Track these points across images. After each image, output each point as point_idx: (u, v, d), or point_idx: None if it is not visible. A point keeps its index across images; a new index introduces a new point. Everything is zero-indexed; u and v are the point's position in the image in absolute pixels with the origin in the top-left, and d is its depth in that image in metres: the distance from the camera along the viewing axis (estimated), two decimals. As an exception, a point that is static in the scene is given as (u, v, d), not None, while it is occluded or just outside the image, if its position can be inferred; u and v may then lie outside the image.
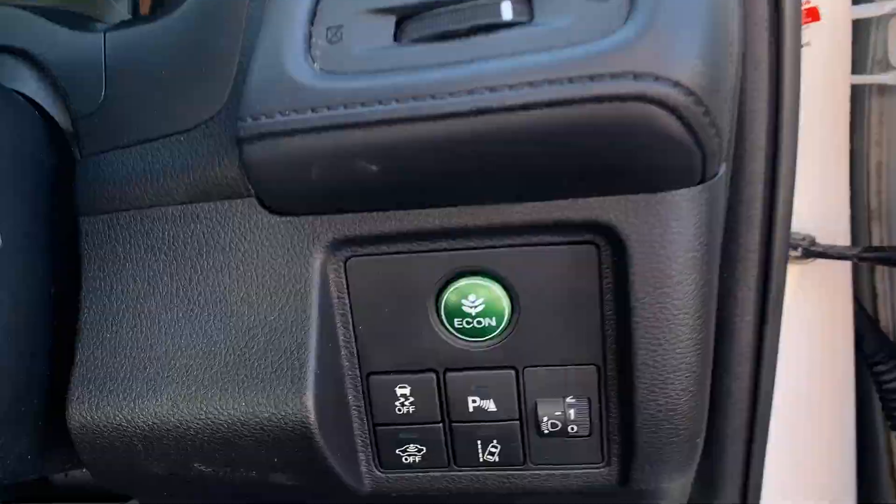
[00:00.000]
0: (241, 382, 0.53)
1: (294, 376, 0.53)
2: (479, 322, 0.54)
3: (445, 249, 0.53)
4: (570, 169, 0.46)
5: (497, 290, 0.54)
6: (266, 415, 0.53)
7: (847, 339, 1.00)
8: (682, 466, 0.58)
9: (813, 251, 0.93)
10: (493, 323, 0.54)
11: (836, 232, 0.97)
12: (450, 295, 0.54)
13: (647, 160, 0.45)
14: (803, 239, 0.94)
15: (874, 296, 1.10)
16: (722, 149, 0.47)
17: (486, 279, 0.54)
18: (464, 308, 0.54)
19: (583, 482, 0.59)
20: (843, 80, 0.95)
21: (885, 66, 0.97)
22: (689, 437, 0.55)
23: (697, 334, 0.51)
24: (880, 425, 1.13)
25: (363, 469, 0.60)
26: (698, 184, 0.48)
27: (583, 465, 0.59)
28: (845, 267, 0.99)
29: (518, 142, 0.44)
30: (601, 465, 0.59)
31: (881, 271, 1.09)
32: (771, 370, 0.82)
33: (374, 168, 0.47)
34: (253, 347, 0.54)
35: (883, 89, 1.02)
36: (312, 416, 0.53)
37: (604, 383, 0.55)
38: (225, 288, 0.54)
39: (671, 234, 0.49)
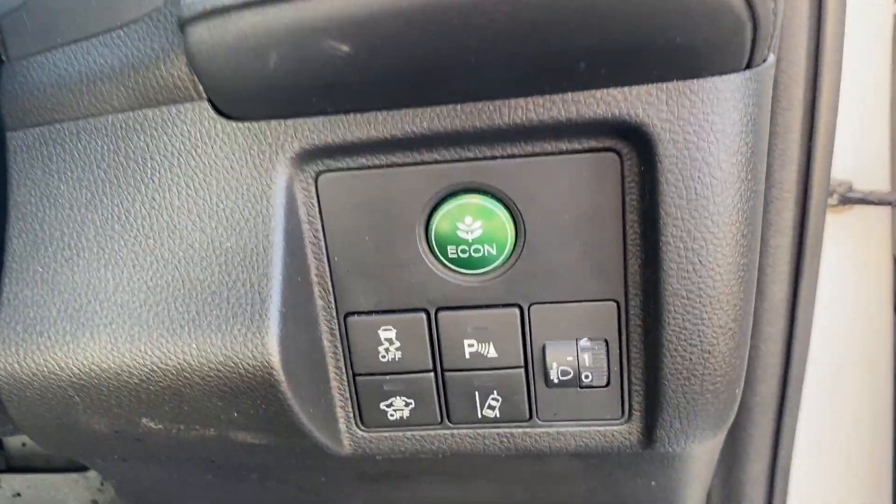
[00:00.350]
0: (192, 321, 0.45)
1: (254, 313, 0.44)
2: (476, 250, 0.45)
3: (436, 161, 0.44)
4: (588, 46, 0.37)
5: (498, 211, 0.45)
6: (220, 359, 0.44)
7: (885, 297, 0.91)
8: (716, 423, 0.49)
9: (850, 198, 0.83)
10: (494, 251, 0.45)
11: (876, 177, 0.87)
12: (442, 218, 0.45)
13: (685, 30, 0.36)
14: (839, 184, 0.85)
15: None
16: (777, 21, 0.37)
17: (485, 198, 0.45)
18: (459, 233, 0.45)
19: (598, 442, 0.51)
20: (884, 8, 0.85)
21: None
22: (726, 386, 0.46)
23: (740, 258, 0.42)
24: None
25: (341, 427, 0.52)
26: (745, 69, 0.39)
27: (598, 422, 0.50)
28: (884, 217, 0.90)
29: (524, 6, 0.35)
30: (620, 420, 0.50)
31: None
32: (806, 330, 0.74)
33: (344, 49, 0.38)
34: (206, 280, 0.45)
35: (924, 22, 0.92)
36: (276, 360, 0.44)
37: (625, 322, 0.47)
38: (173, 210, 0.46)
39: (712, 131, 0.40)
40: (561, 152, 0.43)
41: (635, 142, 0.42)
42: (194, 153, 0.45)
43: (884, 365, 0.95)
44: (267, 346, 0.44)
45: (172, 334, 0.45)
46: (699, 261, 0.42)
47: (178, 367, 0.45)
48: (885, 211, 0.91)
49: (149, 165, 0.46)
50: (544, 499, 0.66)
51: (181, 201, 0.46)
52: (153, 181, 0.46)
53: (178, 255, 0.45)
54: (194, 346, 0.45)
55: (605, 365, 0.48)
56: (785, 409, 0.79)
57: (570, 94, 0.40)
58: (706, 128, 0.40)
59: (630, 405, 0.49)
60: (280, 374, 0.44)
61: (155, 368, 0.45)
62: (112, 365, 0.46)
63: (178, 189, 0.46)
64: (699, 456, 0.57)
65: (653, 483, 0.63)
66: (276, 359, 0.44)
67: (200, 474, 0.64)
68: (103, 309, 0.46)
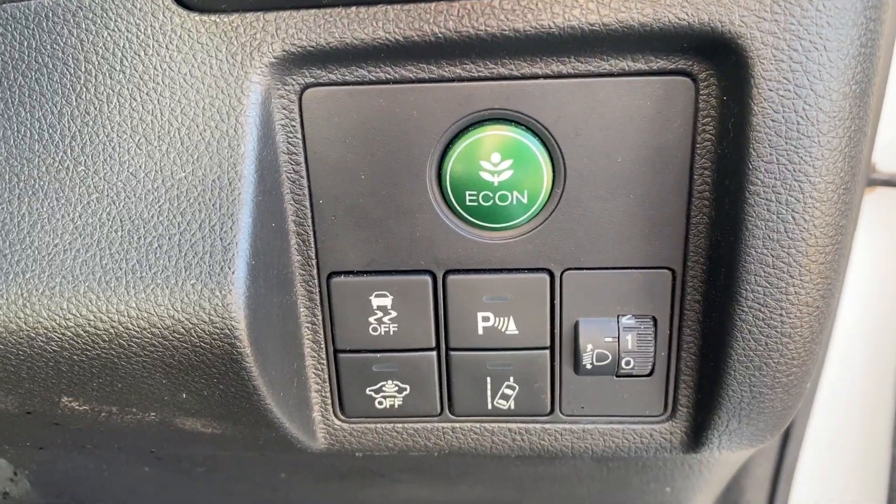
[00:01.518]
0: (132, 272, 0.34)
1: (215, 264, 0.34)
2: (502, 198, 0.36)
3: (459, 78, 0.35)
4: None
5: (534, 148, 0.35)
6: (168, 323, 0.34)
7: (897, 291, 0.84)
8: (776, 424, 0.40)
9: (875, 179, 0.76)
10: (525, 199, 0.36)
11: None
12: (461, 154, 0.35)
13: None
14: (862, 164, 0.78)
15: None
16: None
17: (518, 130, 0.35)
18: (481, 175, 0.36)
19: (632, 443, 0.42)
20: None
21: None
22: (799, 379, 0.38)
23: (840, 217, 0.34)
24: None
25: (316, 415, 0.42)
26: None
27: (634, 419, 0.41)
28: (902, 203, 0.83)
29: None
30: (661, 417, 0.41)
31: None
32: (831, 317, 0.66)
33: None
34: (152, 219, 0.34)
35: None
36: (241, 327, 0.34)
37: (680, 296, 0.38)
38: (113, 127, 0.35)
39: (825, 50, 0.31)
40: (620, 73, 0.34)
41: (721, 61, 0.32)
42: (143, 54, 0.35)
43: (886, 373, 0.89)
44: (230, 308, 0.33)
45: (105, 288, 0.34)
46: (793, 218, 0.33)
47: (112, 331, 0.34)
48: (905, 197, 0.84)
49: (83, 69, 0.35)
50: (536, 501, 0.58)
51: (123, 117, 0.35)
52: (88, 89, 0.35)
53: (117, 185, 0.35)
54: (133, 304, 0.34)
55: (652, 349, 0.38)
56: (797, 413, 0.72)
57: None
58: (819, 45, 0.31)
59: (675, 399, 0.40)
60: (245, 346, 0.34)
61: (81, 332, 0.35)
62: (24, 326, 0.35)
63: (119, 100, 0.35)
64: (735, 461, 0.49)
65: (667, 489, 0.55)
66: (241, 325, 0.34)
67: (135, 466, 0.54)
68: (14, 253, 0.35)
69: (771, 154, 0.32)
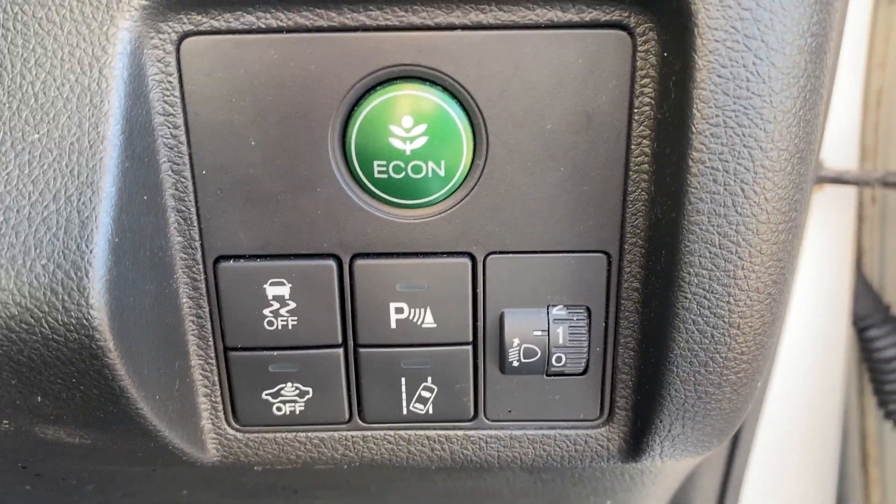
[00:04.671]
0: (-30, 251, 0.29)
1: (70, 241, 0.28)
2: (415, 169, 0.31)
3: (365, 28, 0.30)
4: None
5: (452, 111, 0.31)
6: (13, 311, 0.28)
7: (844, 292, 0.82)
8: (723, 428, 0.36)
9: (823, 177, 0.74)
10: (442, 172, 0.31)
11: (845, 158, 0.78)
12: (367, 117, 0.31)
13: None
14: (808, 162, 0.75)
15: (859, 252, 0.94)
16: None
17: (432, 89, 0.31)
18: (391, 142, 0.31)
19: (565, 451, 0.37)
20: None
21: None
22: (750, 376, 0.34)
23: (794, 190, 0.30)
24: (852, 401, 0.97)
25: (205, 424, 0.37)
26: None
27: (567, 423, 0.37)
28: (849, 206, 0.81)
29: None
30: (597, 422, 0.37)
31: (870, 225, 0.92)
32: (783, 307, 0.63)
33: None
34: (-4, 188, 0.29)
35: (894, -3, 0.84)
36: (101, 316, 0.28)
37: (616, 283, 0.33)
38: (-49, 80, 0.29)
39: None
40: (548, 25, 0.30)
41: (661, 10, 0.28)
42: None
43: (834, 375, 0.86)
44: (86, 294, 0.28)
45: None
46: (742, 191, 0.29)
47: None
48: (850, 198, 0.82)
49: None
50: None
51: None
52: None
53: None
54: None
55: (586, 343, 0.34)
56: (746, 418, 0.68)
57: None
58: None
59: (612, 401, 0.36)
60: (106, 339, 0.29)
61: None
62: None
63: (-40, 48, 0.29)
64: (679, 470, 0.45)
65: (608, 503, 0.51)
66: (101, 313, 0.28)
67: (14, 485, 0.47)
68: None
69: (717, 115, 0.28)
